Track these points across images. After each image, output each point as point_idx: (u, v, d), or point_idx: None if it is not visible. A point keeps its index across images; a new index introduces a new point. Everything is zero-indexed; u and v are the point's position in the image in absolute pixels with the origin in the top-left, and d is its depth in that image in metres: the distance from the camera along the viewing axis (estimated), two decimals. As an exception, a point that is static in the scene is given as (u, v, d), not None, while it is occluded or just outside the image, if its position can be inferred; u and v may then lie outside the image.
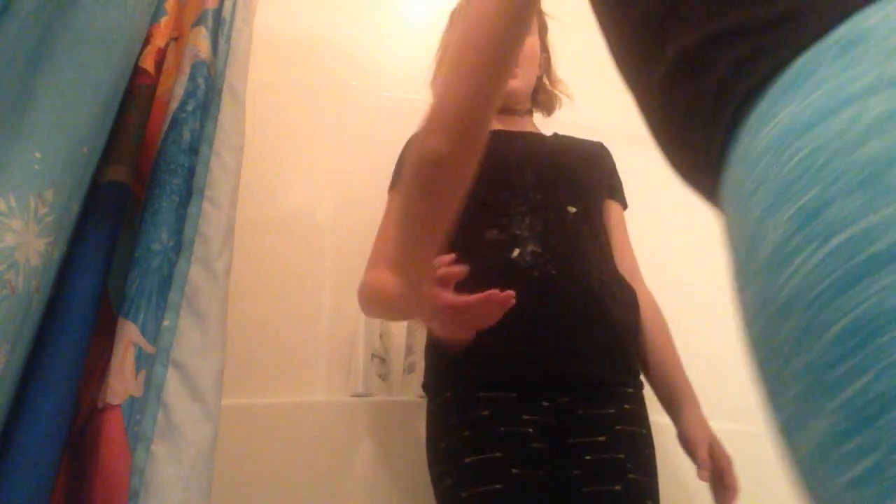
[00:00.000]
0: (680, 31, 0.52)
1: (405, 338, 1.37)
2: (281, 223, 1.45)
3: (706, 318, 1.29)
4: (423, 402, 1.24)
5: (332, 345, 1.35)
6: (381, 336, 1.34)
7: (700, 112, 0.52)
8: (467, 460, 0.90)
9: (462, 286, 1.02)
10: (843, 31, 0.41)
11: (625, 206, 1.22)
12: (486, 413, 0.92)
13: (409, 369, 1.31)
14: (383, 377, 1.31)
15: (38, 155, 0.72)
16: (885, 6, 0.41)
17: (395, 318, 1.05)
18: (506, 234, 1.02)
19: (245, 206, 0.98)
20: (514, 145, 1.13)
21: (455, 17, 1.26)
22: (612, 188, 1.21)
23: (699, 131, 0.52)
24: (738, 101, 0.46)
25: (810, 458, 0.39)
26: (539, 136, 1.21)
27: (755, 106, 0.45)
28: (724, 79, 0.48)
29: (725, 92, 0.48)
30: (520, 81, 1.18)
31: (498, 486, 0.87)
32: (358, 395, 1.25)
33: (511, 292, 0.78)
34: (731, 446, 1.03)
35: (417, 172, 0.76)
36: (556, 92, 1.28)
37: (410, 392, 1.27)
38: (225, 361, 0.84)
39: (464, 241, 1.01)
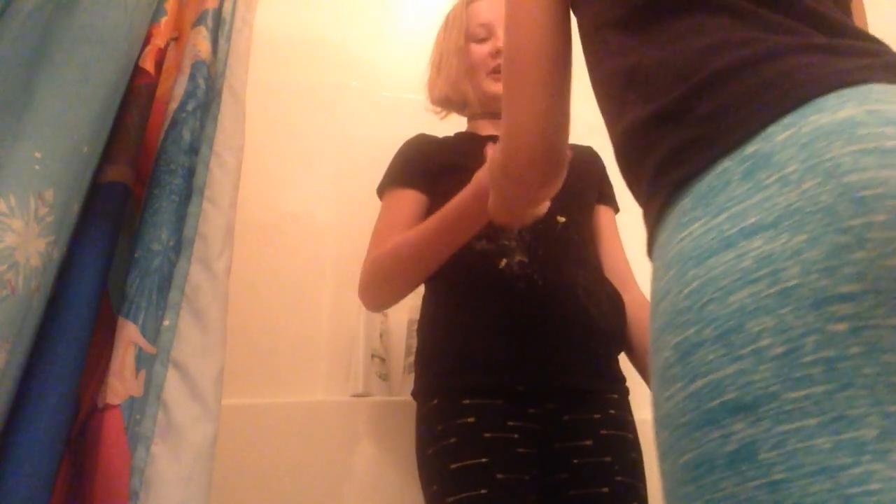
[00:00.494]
0: (636, 104, 0.57)
1: (405, 338, 1.37)
2: (281, 223, 1.45)
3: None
4: (423, 403, 1.24)
5: (332, 345, 1.35)
6: (381, 336, 1.34)
7: (641, 185, 0.58)
8: (453, 466, 0.91)
9: (450, 296, 1.03)
10: (755, 146, 0.47)
11: (616, 210, 1.22)
12: (471, 419, 0.93)
13: (409, 369, 1.31)
14: (383, 377, 1.31)
15: (38, 155, 0.72)
16: (797, 121, 0.46)
17: (455, 238, 1.00)
18: (494, 245, 1.03)
19: (245, 206, 0.98)
20: None
21: (450, 19, 1.26)
22: (602, 194, 1.21)
23: (641, 198, 0.59)
24: (669, 189, 0.52)
25: None
26: None
27: (680, 199, 0.51)
28: (661, 164, 0.54)
29: (660, 177, 0.54)
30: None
31: (483, 492, 0.88)
32: (358, 395, 1.25)
33: None
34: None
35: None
36: None
37: (410, 392, 1.27)
38: (225, 361, 0.84)
39: (455, 253, 1.03)
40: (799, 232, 0.42)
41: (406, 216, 1.09)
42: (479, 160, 0.96)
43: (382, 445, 1.20)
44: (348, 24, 1.71)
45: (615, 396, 1.02)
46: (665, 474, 0.48)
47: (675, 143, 0.52)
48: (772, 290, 0.42)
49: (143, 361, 0.79)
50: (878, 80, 0.47)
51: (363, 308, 1.34)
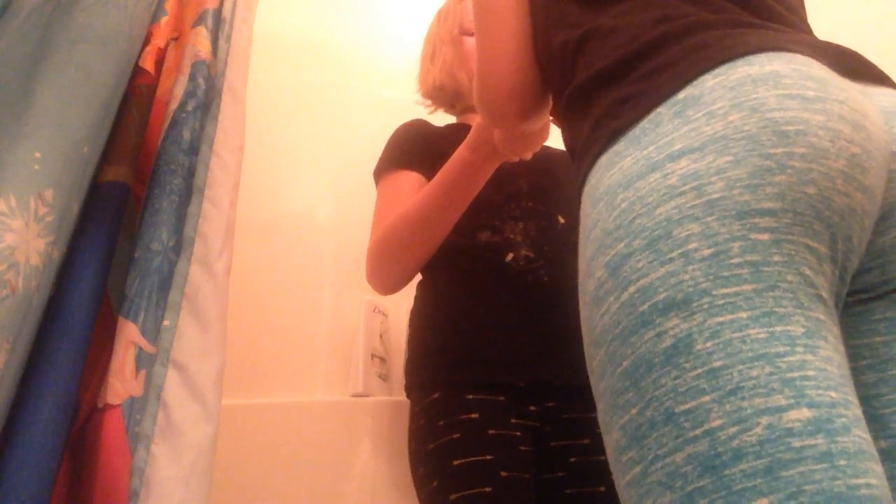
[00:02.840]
0: (582, 69, 0.61)
1: (405, 338, 1.37)
2: (281, 223, 1.45)
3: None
4: (423, 402, 1.24)
5: (332, 345, 1.35)
6: (381, 336, 1.34)
7: (577, 145, 0.61)
8: (456, 462, 0.90)
9: (453, 287, 1.03)
10: (686, 92, 0.50)
11: None
12: (475, 416, 0.92)
13: (409, 369, 1.31)
14: (383, 377, 1.31)
15: (38, 155, 0.72)
16: (727, 70, 0.49)
17: (462, 196, 0.98)
18: (499, 237, 1.02)
19: (245, 206, 0.98)
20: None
21: (443, 14, 1.26)
22: None
23: (576, 157, 0.62)
24: (604, 140, 0.55)
25: (611, 458, 0.48)
26: None
27: (613, 145, 0.53)
28: (598, 119, 0.57)
29: (596, 131, 0.57)
30: None
31: (487, 489, 0.87)
32: (358, 395, 1.25)
33: None
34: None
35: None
36: None
37: (410, 392, 1.27)
38: (225, 361, 0.84)
39: (457, 240, 1.03)
40: (724, 154, 0.46)
41: (408, 196, 1.04)
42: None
43: (382, 445, 1.20)
44: (348, 25, 1.71)
45: None
46: (602, 395, 0.49)
47: (612, 100, 0.56)
48: (697, 202, 0.45)
49: (143, 361, 0.79)
50: (802, 53, 0.51)
51: (363, 308, 1.34)
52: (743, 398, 0.40)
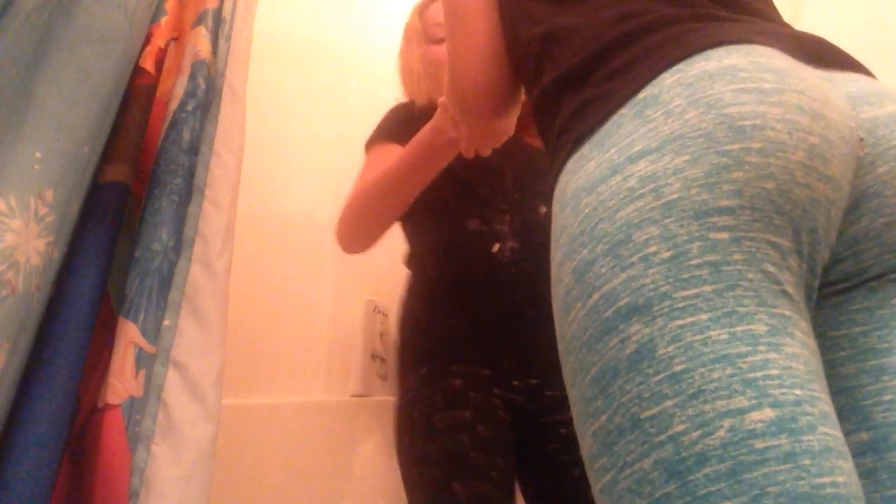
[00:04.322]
0: (547, 71, 0.61)
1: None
2: (281, 223, 1.45)
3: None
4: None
5: (332, 345, 1.35)
6: (381, 336, 1.34)
7: (549, 147, 0.61)
8: (436, 417, 0.95)
9: (444, 275, 1.04)
10: (646, 91, 0.49)
11: None
12: (458, 381, 0.98)
13: (409, 369, 1.31)
14: (383, 377, 1.31)
15: (38, 155, 0.72)
16: (685, 67, 0.48)
17: (426, 169, 1.02)
18: (486, 227, 1.07)
19: (245, 206, 0.98)
20: None
21: (408, 30, 1.27)
22: None
23: (548, 160, 0.61)
24: (570, 145, 0.54)
25: (586, 464, 0.48)
26: (514, 139, 1.21)
27: (580, 149, 0.53)
28: (564, 124, 0.56)
29: (563, 135, 0.56)
30: None
31: (463, 437, 0.92)
32: (358, 395, 1.25)
33: None
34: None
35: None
36: None
37: (410, 392, 1.27)
38: (225, 361, 0.84)
39: (445, 226, 1.08)
40: (681, 154, 0.45)
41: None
42: None
43: (382, 445, 1.20)
44: (348, 25, 1.71)
45: None
46: (575, 401, 0.49)
47: (578, 103, 0.55)
48: (655, 204, 0.45)
49: (143, 361, 0.79)
50: (763, 44, 0.50)
51: (363, 308, 1.34)
52: (705, 401, 0.40)
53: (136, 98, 0.92)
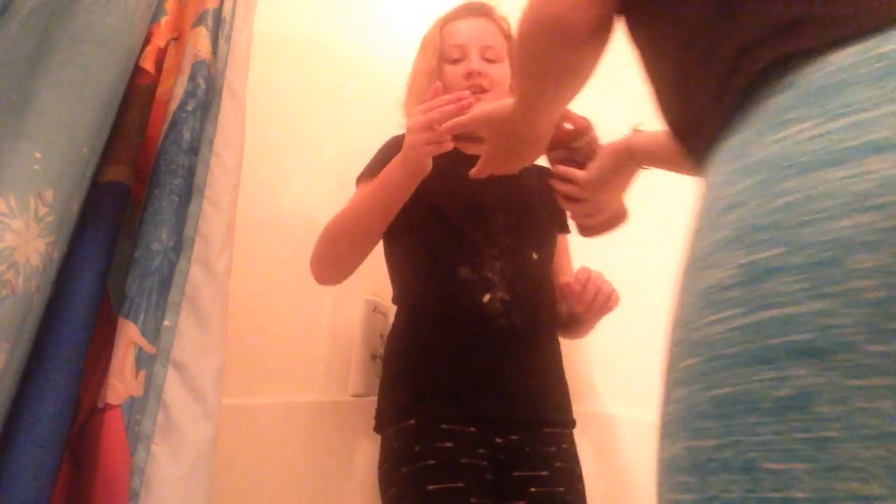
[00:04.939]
0: None
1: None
2: (281, 223, 1.44)
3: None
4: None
5: (331, 345, 1.35)
6: (381, 336, 1.34)
7: (702, 85, 0.47)
8: (431, 487, 0.94)
9: (435, 323, 1.07)
10: (891, 45, 0.37)
11: (568, 232, 1.25)
12: (449, 444, 0.97)
13: (409, 369, 1.31)
14: (383, 377, 1.31)
15: (38, 155, 0.72)
16: None
17: (391, 203, 1.05)
18: (477, 276, 1.07)
19: (245, 206, 0.98)
20: (489, 183, 1.06)
21: (426, 42, 1.27)
22: (562, 222, 1.23)
23: (712, 80, 0.47)
24: (754, 76, 0.42)
25: (662, 466, 0.43)
26: (507, 180, 1.16)
27: (774, 93, 0.41)
28: (745, 47, 0.43)
29: (742, 62, 0.43)
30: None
31: None
32: (358, 395, 1.25)
33: (466, 95, 0.93)
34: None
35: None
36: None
37: (410, 392, 1.27)
38: (225, 361, 0.84)
39: (436, 272, 1.08)
40: None
41: None
42: (459, 172, 1.02)
43: (382, 445, 1.20)
44: (348, 24, 1.71)
45: (567, 432, 1.09)
46: (675, 401, 0.42)
47: (771, 20, 0.42)
48: (886, 225, 0.34)
49: (143, 361, 0.79)
50: None
51: (363, 308, 1.34)
52: (838, 478, 0.34)
53: (136, 98, 0.92)
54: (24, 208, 0.69)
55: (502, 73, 1.19)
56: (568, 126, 0.94)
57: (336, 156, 1.54)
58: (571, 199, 0.95)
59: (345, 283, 1.42)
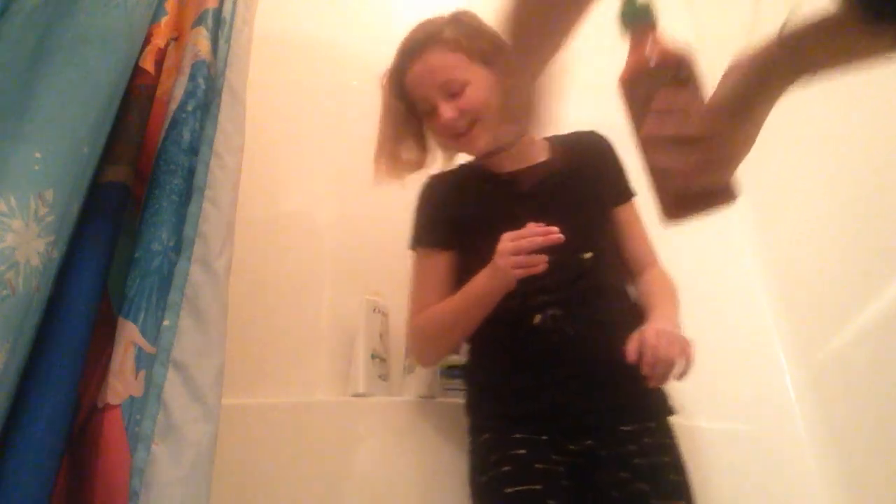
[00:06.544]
0: None
1: (405, 338, 1.37)
2: (281, 223, 1.45)
3: (703, 321, 1.28)
4: (424, 403, 1.24)
5: (332, 345, 1.35)
6: (381, 336, 1.34)
7: None
8: (508, 490, 0.98)
9: (494, 349, 1.11)
10: None
11: (634, 195, 1.21)
12: (522, 451, 1.00)
13: (409, 369, 1.31)
14: (383, 377, 1.31)
15: (38, 155, 0.72)
16: None
17: (485, 308, 1.09)
18: (532, 302, 1.07)
19: (245, 206, 0.98)
20: (518, 199, 1.15)
21: (385, 105, 1.25)
22: (617, 195, 1.20)
23: None
24: None
25: None
26: (541, 174, 1.19)
27: None
28: None
29: None
30: (484, 138, 1.15)
31: None
32: (358, 395, 1.25)
33: (553, 230, 0.98)
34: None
35: None
36: (520, 103, 1.27)
37: (410, 392, 1.27)
38: (225, 361, 0.84)
39: (492, 312, 1.09)
40: None
41: (437, 278, 1.17)
42: (500, 205, 1.12)
43: (382, 445, 1.20)
44: (348, 24, 1.71)
45: (650, 425, 1.04)
46: None
47: None
48: None
49: (143, 361, 0.79)
50: None
51: (363, 308, 1.34)
52: None
53: (136, 98, 0.92)
54: (24, 208, 0.69)
55: (476, 93, 1.14)
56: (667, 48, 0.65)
57: (336, 156, 1.54)
58: (678, 150, 0.62)
59: (345, 283, 1.42)
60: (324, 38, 1.66)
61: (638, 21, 0.67)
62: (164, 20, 0.99)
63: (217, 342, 0.84)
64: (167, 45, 1.00)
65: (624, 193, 1.21)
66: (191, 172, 0.90)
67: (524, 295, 1.07)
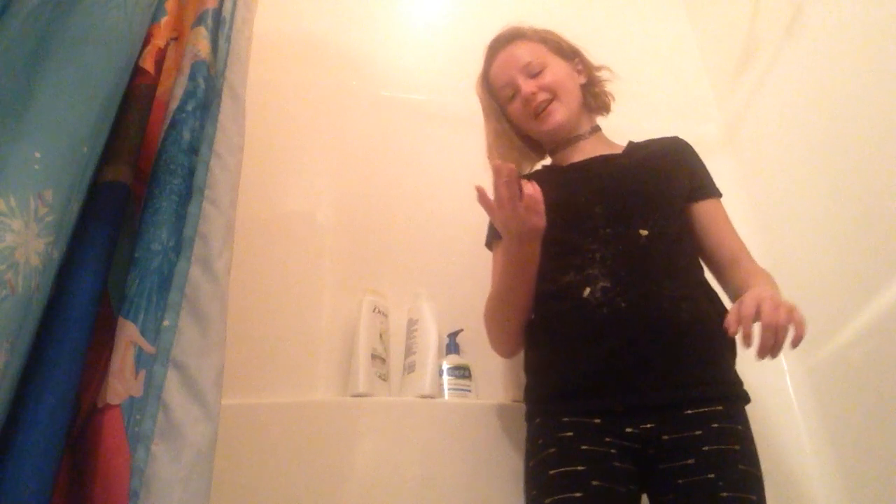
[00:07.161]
0: None
1: (405, 338, 1.37)
2: (281, 223, 1.45)
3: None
4: (423, 402, 1.24)
5: (332, 345, 1.35)
6: (381, 336, 1.34)
7: None
8: (551, 472, 0.97)
9: (545, 327, 1.11)
10: None
11: (719, 196, 1.20)
12: (570, 434, 0.99)
13: (409, 369, 1.31)
14: (383, 377, 1.31)
15: (38, 155, 0.72)
16: None
17: (517, 275, 1.11)
18: (580, 276, 1.07)
19: (245, 206, 0.98)
20: (580, 181, 1.17)
21: (483, 107, 1.31)
22: (695, 190, 1.19)
23: None
24: None
25: None
26: (607, 160, 1.21)
27: None
28: None
29: None
30: (562, 112, 1.21)
31: (578, 495, 0.93)
32: (358, 395, 1.25)
33: (509, 165, 0.99)
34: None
35: None
36: (603, 89, 1.29)
37: (410, 392, 1.27)
38: (225, 361, 0.84)
39: (544, 286, 1.11)
40: None
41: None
42: (564, 188, 1.13)
43: (382, 445, 1.20)
44: (348, 24, 1.72)
45: (720, 408, 0.98)
46: None
47: None
48: None
49: (143, 361, 0.79)
50: None
51: (363, 308, 1.34)
52: None
53: (136, 98, 0.92)
54: (24, 208, 0.69)
55: (554, 75, 1.21)
56: None
57: (336, 156, 1.54)
58: None
59: (345, 282, 1.42)
60: (324, 38, 1.66)
61: None
62: (164, 20, 0.99)
63: (217, 342, 0.84)
64: (167, 45, 1.00)
65: (702, 190, 1.20)
66: (191, 172, 0.90)
67: (577, 268, 1.07)
